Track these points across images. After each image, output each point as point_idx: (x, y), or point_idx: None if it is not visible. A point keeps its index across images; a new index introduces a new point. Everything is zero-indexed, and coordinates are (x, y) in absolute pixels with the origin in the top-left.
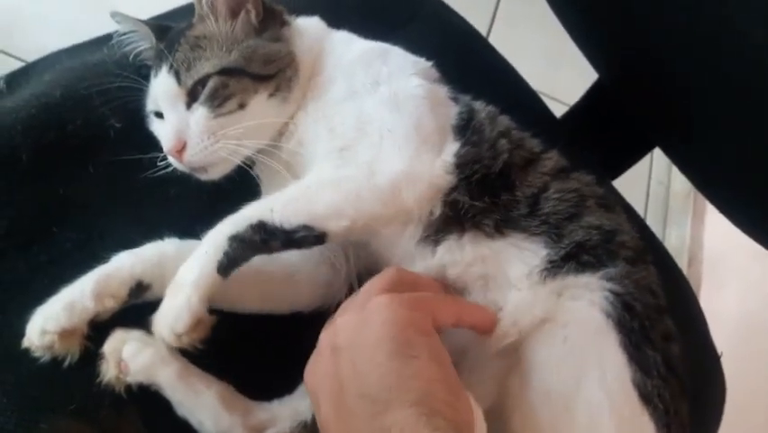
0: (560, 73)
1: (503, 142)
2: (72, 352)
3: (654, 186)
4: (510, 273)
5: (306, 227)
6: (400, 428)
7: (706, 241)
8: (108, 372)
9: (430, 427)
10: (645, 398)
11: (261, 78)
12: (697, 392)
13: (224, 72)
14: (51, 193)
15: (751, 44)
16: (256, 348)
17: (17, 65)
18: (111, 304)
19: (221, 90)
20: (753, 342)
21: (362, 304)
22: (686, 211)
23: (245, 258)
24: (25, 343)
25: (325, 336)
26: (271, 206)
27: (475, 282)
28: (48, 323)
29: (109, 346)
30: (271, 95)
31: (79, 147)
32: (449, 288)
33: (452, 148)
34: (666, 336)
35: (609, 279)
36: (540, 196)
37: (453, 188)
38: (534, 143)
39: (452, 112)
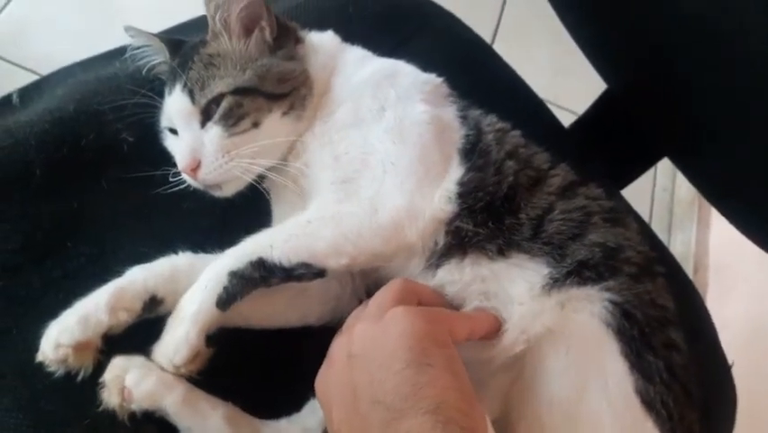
0: (566, 81)
1: (510, 163)
2: (86, 365)
3: (659, 192)
4: (512, 291)
5: (305, 265)
6: None
7: (711, 247)
8: (111, 399)
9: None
10: (648, 405)
11: (275, 97)
12: (708, 403)
13: (238, 92)
14: (65, 207)
15: (764, 57)
16: (261, 366)
17: (26, 74)
18: (125, 317)
19: (235, 109)
20: (760, 348)
21: (377, 314)
22: (691, 217)
23: (244, 293)
24: (39, 357)
25: (339, 346)
26: (271, 242)
27: (475, 298)
28: (62, 336)
29: (110, 374)
30: (285, 113)
31: (93, 161)
32: (447, 302)
33: (456, 174)
34: (669, 345)
35: (608, 289)
36: (544, 218)
37: (456, 216)
38: (542, 159)
39: (458, 135)
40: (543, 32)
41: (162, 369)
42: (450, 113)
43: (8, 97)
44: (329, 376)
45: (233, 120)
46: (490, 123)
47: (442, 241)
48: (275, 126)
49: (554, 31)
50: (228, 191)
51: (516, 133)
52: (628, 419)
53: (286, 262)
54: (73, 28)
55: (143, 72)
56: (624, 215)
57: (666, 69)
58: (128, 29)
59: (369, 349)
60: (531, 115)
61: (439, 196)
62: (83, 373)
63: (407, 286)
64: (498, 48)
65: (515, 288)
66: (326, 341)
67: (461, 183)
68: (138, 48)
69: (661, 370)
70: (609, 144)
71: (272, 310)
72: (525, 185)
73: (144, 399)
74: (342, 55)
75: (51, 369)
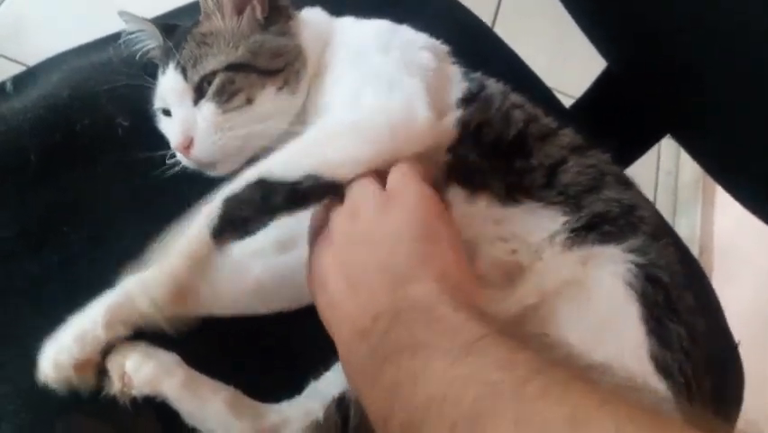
0: (565, 65)
1: (517, 113)
2: (88, 381)
3: (663, 176)
4: (529, 238)
5: (312, 177)
6: (423, 298)
7: (716, 230)
8: (112, 385)
9: (452, 301)
10: (664, 371)
11: (269, 73)
12: (715, 380)
13: (231, 68)
14: (61, 193)
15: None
16: (262, 349)
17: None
18: (122, 331)
19: (228, 86)
20: (766, 331)
21: (372, 194)
22: (695, 201)
23: (243, 219)
24: (41, 378)
25: (339, 227)
26: (272, 162)
27: (491, 242)
28: (60, 356)
29: (111, 361)
30: (279, 89)
31: (88, 147)
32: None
33: (456, 114)
34: (692, 310)
35: (632, 250)
36: (558, 168)
37: (459, 143)
38: (549, 120)
39: (459, 87)
40: (543, 15)
41: (136, 308)
42: (452, 68)
43: (2, 86)
44: (326, 258)
45: (225, 96)
46: (492, 82)
47: (443, 159)
48: (269, 102)
49: (555, 13)
50: (223, 170)
51: (520, 95)
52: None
53: (289, 175)
54: (69, 18)
55: (137, 57)
56: (631, 181)
57: (668, 43)
58: (122, 13)
59: (375, 225)
60: (533, 98)
61: (445, 120)
62: (85, 389)
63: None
64: (498, 31)
65: (532, 235)
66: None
67: (463, 118)
68: (132, 33)
69: (682, 337)
70: (610, 124)
71: (268, 294)
72: (536, 135)
73: (144, 384)
74: (334, 25)
75: (56, 388)
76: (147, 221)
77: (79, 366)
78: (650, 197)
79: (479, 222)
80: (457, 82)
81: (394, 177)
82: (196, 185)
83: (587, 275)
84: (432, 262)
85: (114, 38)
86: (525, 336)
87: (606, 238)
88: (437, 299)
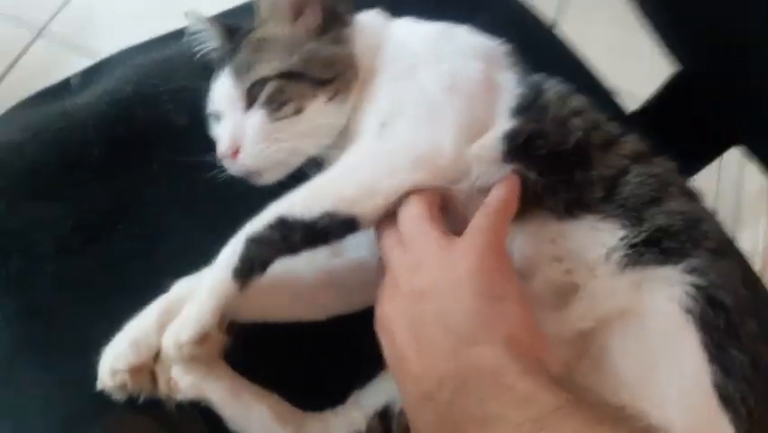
0: (629, 67)
1: (576, 120)
2: (144, 386)
3: (725, 184)
4: (586, 255)
5: (329, 214)
6: (490, 362)
7: None
8: (159, 390)
9: (522, 366)
10: (726, 400)
11: (320, 83)
12: None
13: (283, 76)
14: (118, 189)
15: None
16: (306, 356)
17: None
18: None
19: (278, 94)
20: None
21: (435, 245)
22: (759, 212)
23: (264, 260)
24: (99, 385)
25: (404, 278)
26: (293, 199)
27: (547, 263)
28: (117, 362)
29: (160, 366)
30: (330, 99)
31: (146, 144)
32: (519, 265)
33: (505, 126)
34: (755, 336)
35: (692, 270)
36: (619, 179)
37: (509, 159)
38: (612, 125)
39: (512, 95)
40: (606, 15)
41: (167, 352)
42: (506, 73)
43: (67, 81)
44: (394, 307)
45: (275, 105)
46: (552, 85)
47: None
48: (318, 112)
49: (619, 13)
50: (269, 179)
51: (582, 97)
52: (702, 413)
53: (307, 214)
54: (137, 11)
55: (197, 57)
56: (698, 193)
57: (752, 48)
58: (188, 14)
59: (439, 280)
60: (597, 101)
61: (485, 138)
62: (143, 394)
63: (429, 199)
64: (561, 30)
65: (589, 252)
66: (371, 327)
67: (513, 131)
68: (195, 33)
69: (745, 365)
70: (676, 131)
71: (307, 302)
72: (597, 144)
73: (190, 389)
74: (387, 29)
75: (114, 396)
76: (198, 221)
77: (135, 371)
78: (710, 206)
79: (533, 242)
80: (510, 90)
81: (411, 223)
82: (249, 188)
83: (641, 301)
84: (498, 321)
85: (177, 35)
86: (600, 402)
87: (664, 256)
88: (505, 365)
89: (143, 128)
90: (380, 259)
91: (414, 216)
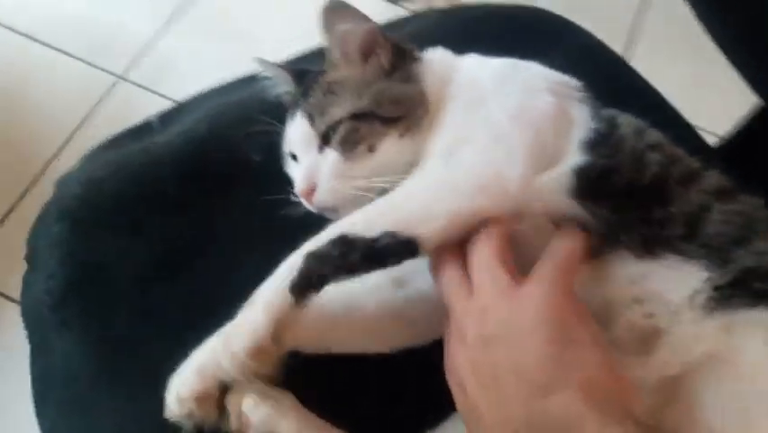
0: (706, 102)
1: (653, 155)
2: (210, 415)
3: None
4: (668, 297)
5: (390, 234)
6: (565, 412)
7: None
8: (231, 425)
9: (601, 415)
10: None
11: (391, 121)
12: None
13: (356, 116)
14: (195, 224)
15: None
16: (375, 391)
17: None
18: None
19: (352, 134)
20: None
21: (502, 290)
22: None
23: (322, 276)
24: (167, 414)
25: (470, 326)
26: (355, 217)
27: (627, 305)
28: (182, 389)
29: (230, 400)
30: (401, 136)
31: (221, 180)
32: (598, 310)
33: (576, 160)
34: None
35: None
36: (701, 215)
37: (582, 195)
38: (691, 160)
39: (585, 129)
40: (680, 49)
41: (220, 363)
42: (578, 107)
43: (147, 123)
44: (461, 358)
45: (349, 145)
46: (628, 119)
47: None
48: (391, 149)
49: (693, 46)
50: (344, 214)
51: (657, 131)
52: None
53: (368, 233)
54: (214, 58)
55: (273, 98)
56: None
57: None
58: (257, 60)
59: (504, 328)
60: (674, 136)
61: (553, 172)
62: (208, 422)
63: (499, 234)
64: (634, 65)
65: (672, 294)
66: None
67: (585, 166)
68: (266, 78)
69: None
70: (761, 167)
71: (371, 334)
72: (676, 179)
73: (261, 424)
74: (457, 64)
75: (183, 425)
76: (274, 257)
77: (200, 399)
78: None
79: (612, 283)
80: (582, 124)
81: (485, 271)
82: (319, 224)
83: (732, 346)
84: (572, 367)
85: (252, 78)
86: None
87: (754, 299)
88: (583, 413)
89: (219, 165)
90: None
91: (485, 256)
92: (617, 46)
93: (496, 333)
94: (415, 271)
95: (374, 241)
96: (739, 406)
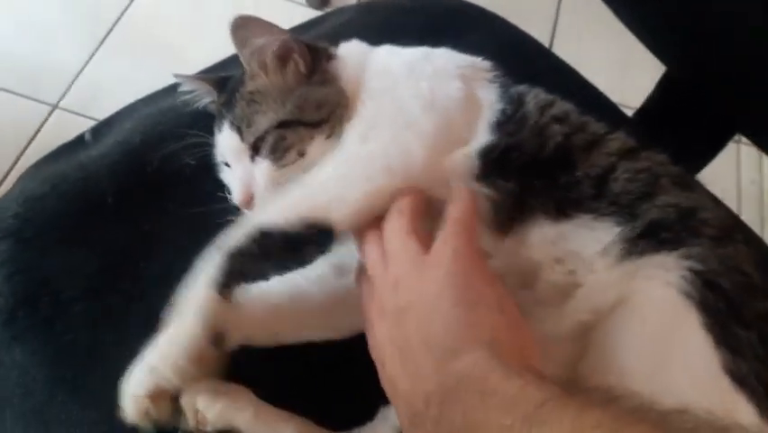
0: (628, 80)
1: (556, 126)
2: (165, 412)
3: (746, 185)
4: (584, 253)
5: (302, 220)
6: (472, 371)
7: None
8: (188, 423)
9: (505, 368)
10: (741, 381)
11: (316, 124)
12: None
13: (282, 125)
14: (136, 231)
15: None
16: (330, 375)
17: None
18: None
19: (280, 143)
20: None
21: (412, 258)
22: None
23: (245, 273)
24: (124, 415)
25: (387, 298)
26: (269, 208)
27: (548, 264)
28: (136, 388)
29: (184, 399)
30: (328, 137)
31: (158, 185)
32: (523, 273)
33: (481, 141)
34: (761, 315)
35: (689, 257)
36: (607, 176)
37: (487, 173)
38: (598, 126)
39: (492, 111)
40: (600, 33)
41: (164, 376)
42: (488, 90)
43: (81, 137)
44: (381, 333)
45: (279, 153)
46: (536, 95)
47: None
48: (320, 152)
49: (612, 30)
50: None
51: (568, 104)
52: (716, 396)
53: (282, 221)
54: (142, 76)
55: (196, 106)
56: (692, 181)
57: (736, 39)
58: (176, 76)
59: (415, 295)
60: (591, 107)
61: (459, 154)
62: (164, 420)
63: (411, 206)
64: (557, 51)
65: (587, 250)
66: None
67: (486, 147)
68: (188, 92)
69: (754, 343)
70: (675, 129)
71: (319, 323)
72: (580, 146)
73: (217, 420)
74: (370, 56)
75: (142, 426)
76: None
77: (155, 397)
78: (734, 208)
79: (533, 246)
80: (490, 106)
81: (394, 236)
82: None
83: (636, 289)
84: (477, 328)
85: (175, 87)
86: (590, 391)
87: (660, 246)
88: (487, 369)
89: (155, 172)
90: (360, 267)
91: (395, 229)
92: (543, 38)
93: (408, 301)
94: (355, 258)
95: (290, 230)
96: (648, 348)
